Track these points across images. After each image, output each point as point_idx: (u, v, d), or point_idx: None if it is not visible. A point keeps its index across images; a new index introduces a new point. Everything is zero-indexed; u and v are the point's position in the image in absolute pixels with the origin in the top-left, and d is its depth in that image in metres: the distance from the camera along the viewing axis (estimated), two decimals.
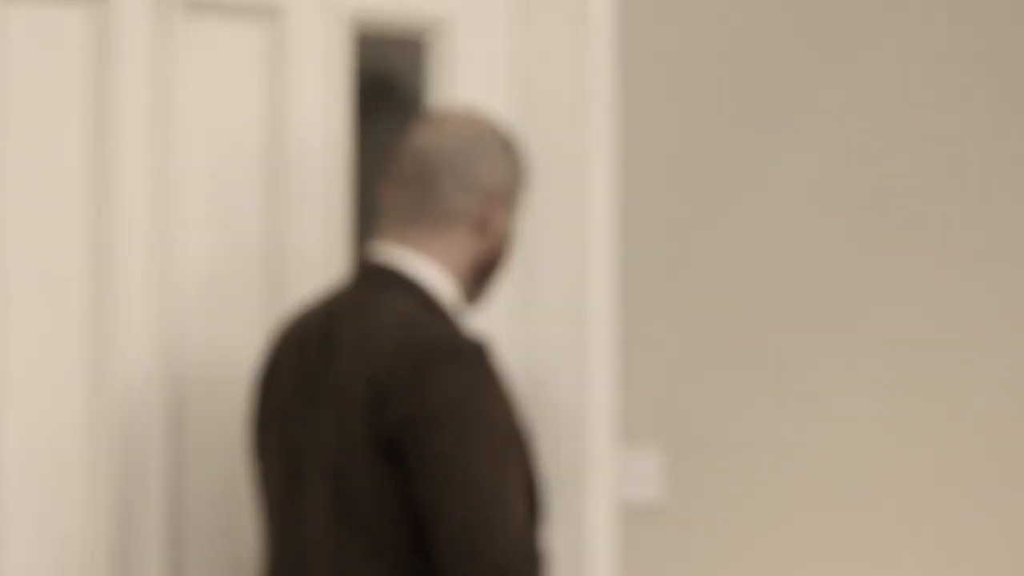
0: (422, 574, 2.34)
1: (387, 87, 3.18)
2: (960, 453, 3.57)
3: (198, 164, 2.92)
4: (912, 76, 3.52)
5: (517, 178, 2.63)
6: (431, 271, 2.53)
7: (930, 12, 3.55)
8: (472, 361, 2.36)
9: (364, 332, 2.42)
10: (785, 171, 3.38)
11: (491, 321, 3.14)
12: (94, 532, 2.82)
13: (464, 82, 3.15)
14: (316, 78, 3.02)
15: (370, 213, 3.15)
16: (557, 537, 3.13)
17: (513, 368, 3.16)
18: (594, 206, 3.15)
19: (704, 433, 3.26)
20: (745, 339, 3.31)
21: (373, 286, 2.51)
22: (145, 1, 2.86)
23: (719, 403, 3.28)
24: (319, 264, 3.00)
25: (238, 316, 2.94)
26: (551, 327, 3.15)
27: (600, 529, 3.10)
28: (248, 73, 2.97)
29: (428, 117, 2.61)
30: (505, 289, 3.16)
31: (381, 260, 2.53)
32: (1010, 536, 3.62)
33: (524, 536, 2.27)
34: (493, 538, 2.24)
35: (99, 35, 2.84)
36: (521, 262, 3.19)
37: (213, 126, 2.93)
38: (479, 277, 2.60)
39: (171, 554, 2.87)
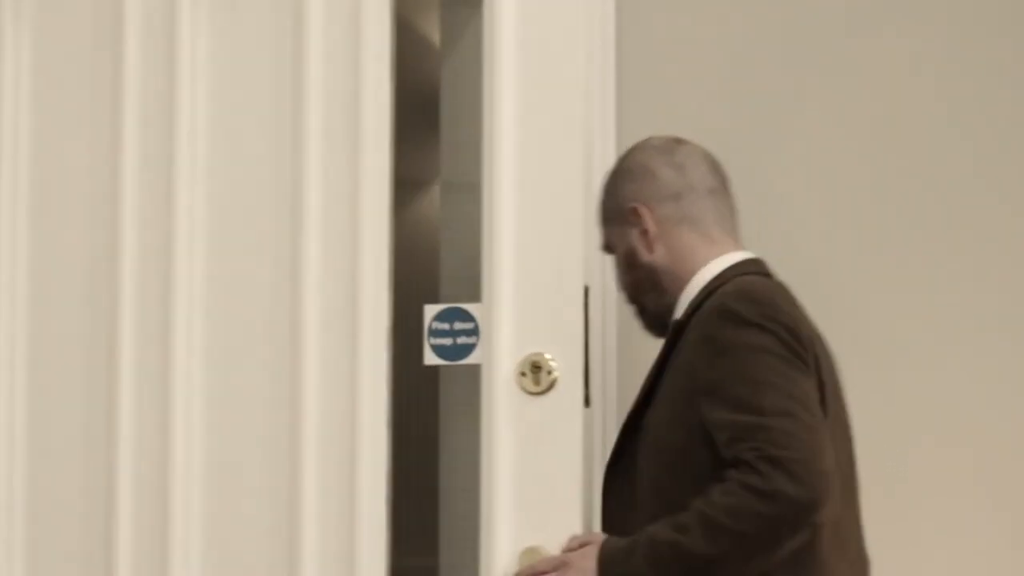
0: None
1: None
2: (950, 441, 3.55)
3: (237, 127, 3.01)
4: (902, 81, 3.54)
5: None
6: None
7: (927, 13, 3.56)
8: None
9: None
10: (781, 171, 3.42)
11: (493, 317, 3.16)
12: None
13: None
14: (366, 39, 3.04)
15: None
16: None
17: None
18: (592, 207, 3.17)
19: None
20: None
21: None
22: None
23: None
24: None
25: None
26: None
27: None
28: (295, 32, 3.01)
29: (677, 138, 3.01)
30: (505, 287, 3.17)
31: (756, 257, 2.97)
32: (1000, 517, 3.56)
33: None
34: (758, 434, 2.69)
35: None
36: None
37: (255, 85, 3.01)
38: None
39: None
